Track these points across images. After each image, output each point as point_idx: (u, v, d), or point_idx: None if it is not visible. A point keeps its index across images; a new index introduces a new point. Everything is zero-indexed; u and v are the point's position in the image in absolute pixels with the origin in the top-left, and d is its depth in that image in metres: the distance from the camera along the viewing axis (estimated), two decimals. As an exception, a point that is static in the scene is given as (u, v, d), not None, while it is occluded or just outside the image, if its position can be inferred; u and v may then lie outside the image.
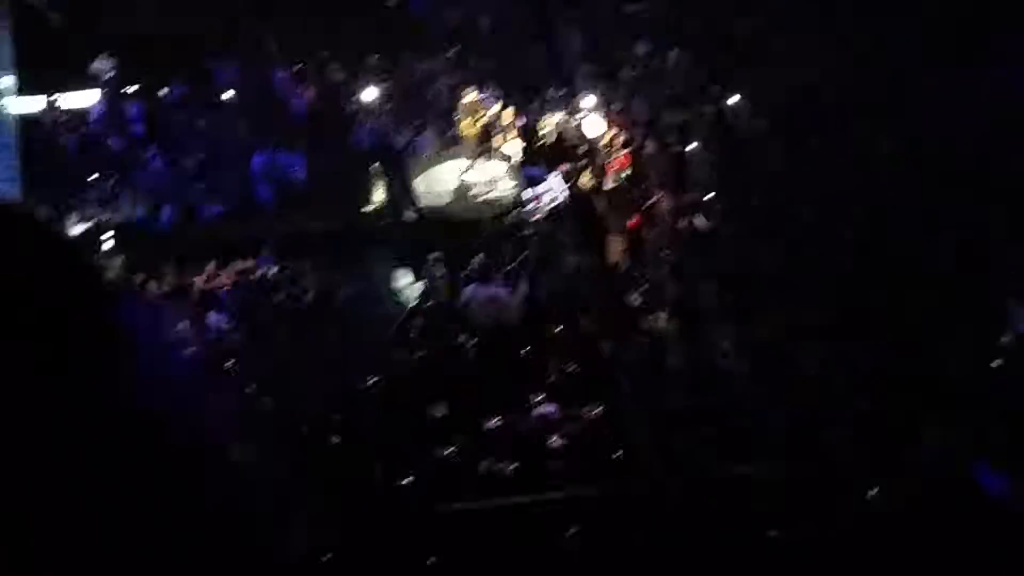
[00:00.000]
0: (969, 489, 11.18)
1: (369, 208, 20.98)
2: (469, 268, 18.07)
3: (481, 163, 20.83)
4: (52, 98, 22.10)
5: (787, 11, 22.08)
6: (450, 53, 23.70)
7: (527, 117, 22.29)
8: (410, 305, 18.52)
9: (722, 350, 15.68)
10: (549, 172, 20.95)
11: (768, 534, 11.43)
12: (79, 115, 22.23)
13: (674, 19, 24.48)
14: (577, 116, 22.08)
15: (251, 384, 15.96)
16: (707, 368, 15.71)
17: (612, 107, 22.18)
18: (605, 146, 21.72)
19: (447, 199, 20.39)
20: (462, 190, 20.50)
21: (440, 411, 14.81)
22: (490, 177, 20.68)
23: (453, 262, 18.67)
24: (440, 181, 20.80)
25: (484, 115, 20.56)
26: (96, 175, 20.88)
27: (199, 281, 18.25)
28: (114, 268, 18.93)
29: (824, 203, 18.15)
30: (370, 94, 21.94)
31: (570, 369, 15.88)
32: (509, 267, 17.83)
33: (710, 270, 17.54)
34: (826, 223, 17.70)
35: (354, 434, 15.34)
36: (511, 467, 13.44)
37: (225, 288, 18.04)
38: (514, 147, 21.40)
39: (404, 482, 13.13)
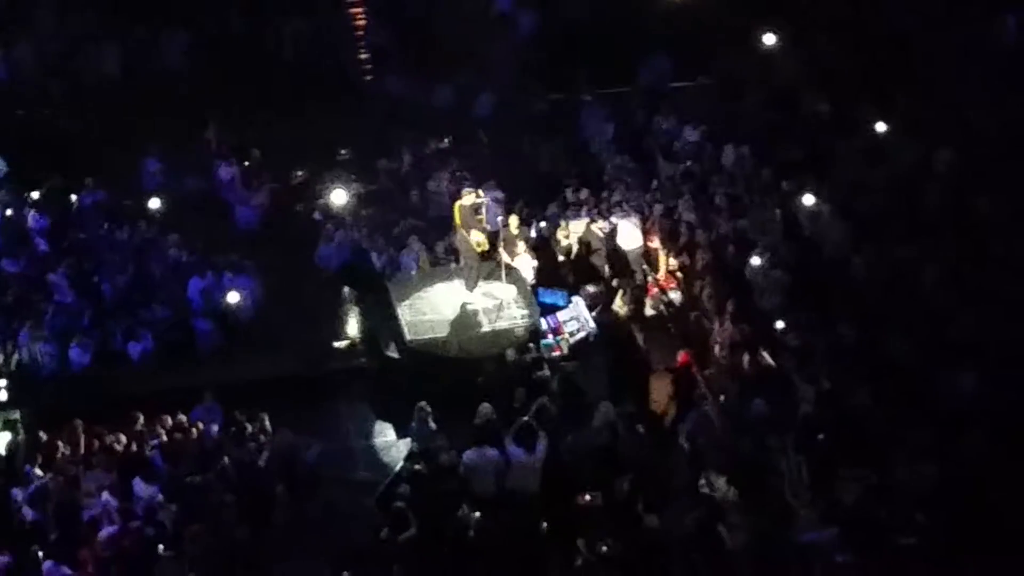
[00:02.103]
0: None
1: (340, 345, 22.11)
2: (472, 421, 19.01)
3: (484, 285, 21.93)
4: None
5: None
6: (443, 143, 25.18)
7: (540, 225, 23.57)
8: (395, 469, 19.41)
9: (799, 521, 16.64)
10: (571, 296, 22.08)
11: None
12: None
13: (734, 97, 26.14)
14: (606, 223, 23.28)
15: (191, 576, 16.96)
16: (778, 546, 16.63)
17: (651, 211, 23.47)
18: (643, 262, 22.93)
19: (441, 331, 21.34)
20: (460, 320, 21.51)
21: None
22: (496, 302, 21.72)
23: (450, 413, 19.52)
24: (432, 308, 21.81)
25: (485, 222, 21.65)
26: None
27: (122, 439, 19.25)
28: (10, 425, 20.03)
29: (925, 334, 19.37)
30: (339, 197, 23.07)
31: (605, 549, 16.74)
32: (523, 419, 18.78)
33: (780, 421, 18.56)
34: (927, 359, 18.88)
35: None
36: None
37: (156, 450, 19.03)
38: (525, 264, 22.58)
39: None
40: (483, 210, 21.61)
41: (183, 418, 19.76)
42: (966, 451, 17.26)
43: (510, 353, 20.61)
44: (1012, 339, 18.97)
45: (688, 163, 24.62)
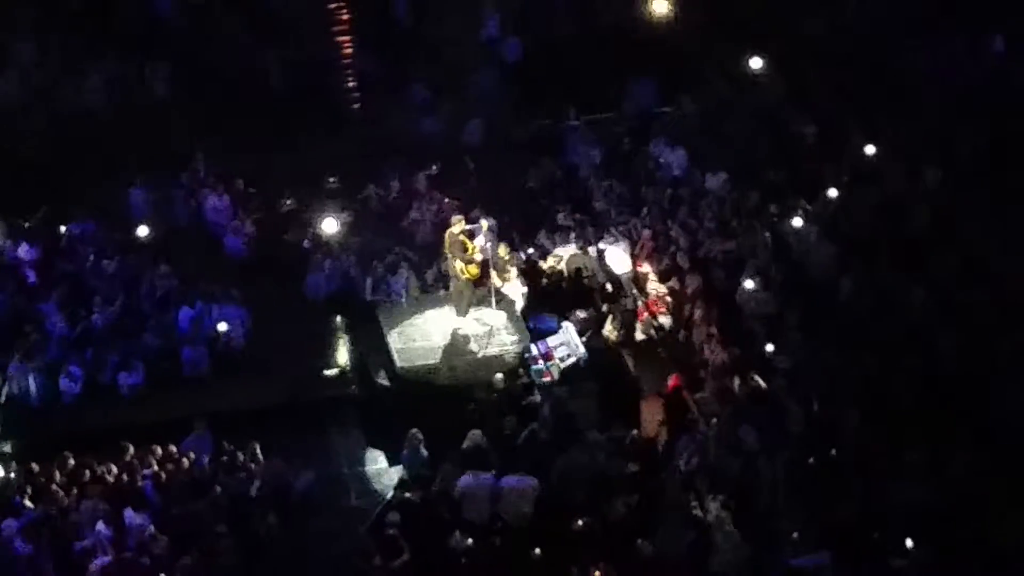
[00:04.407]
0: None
1: (330, 373, 22.13)
2: (463, 447, 19.09)
3: (474, 311, 21.92)
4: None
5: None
6: (431, 170, 25.23)
7: (530, 251, 23.67)
8: (387, 496, 19.44)
9: (790, 543, 16.69)
10: (561, 321, 22.08)
11: None
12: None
13: (720, 121, 26.29)
14: (595, 248, 23.42)
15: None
16: (770, 570, 16.69)
17: (641, 236, 23.55)
18: (633, 286, 22.99)
19: (431, 358, 21.40)
20: (451, 346, 21.52)
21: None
22: (486, 329, 21.74)
23: (441, 440, 19.60)
24: (422, 335, 21.85)
25: (477, 249, 21.59)
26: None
27: (113, 470, 19.25)
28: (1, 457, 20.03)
29: (914, 354, 19.48)
30: (330, 226, 23.04)
31: (598, 574, 16.73)
32: (516, 445, 18.82)
33: (771, 443, 18.60)
34: (917, 380, 18.98)
35: None
36: None
37: (147, 480, 19.04)
38: (515, 290, 22.60)
39: None
40: (473, 237, 21.67)
41: (174, 448, 19.75)
42: (957, 472, 17.34)
43: (498, 379, 20.64)
44: (1000, 359, 19.08)
45: (676, 187, 24.70)
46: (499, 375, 20.70)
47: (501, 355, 21.37)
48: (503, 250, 22.38)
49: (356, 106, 27.37)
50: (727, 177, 24.51)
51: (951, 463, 17.47)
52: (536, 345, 21.58)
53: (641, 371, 21.53)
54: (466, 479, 18.44)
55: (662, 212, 24.11)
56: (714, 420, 19.60)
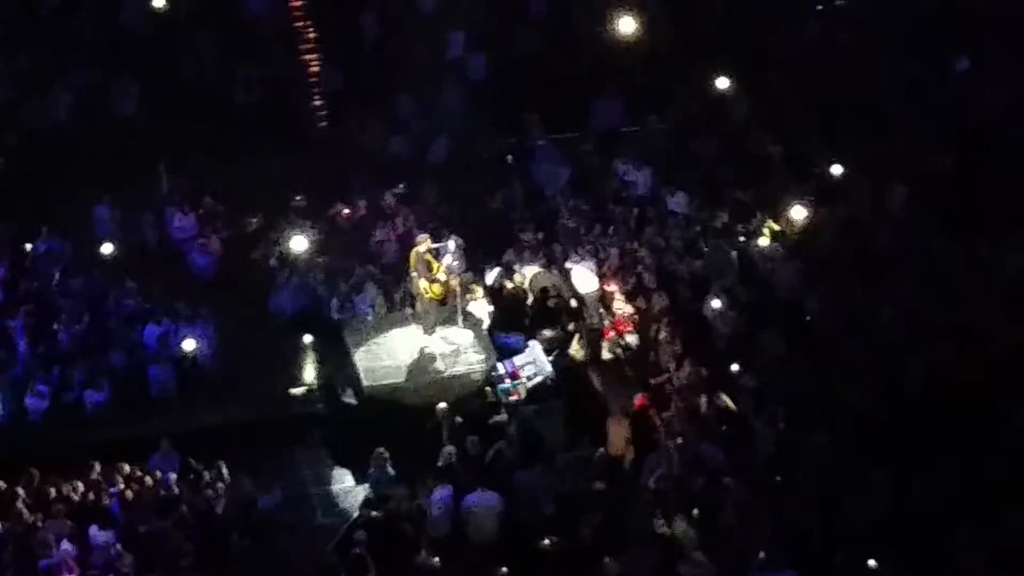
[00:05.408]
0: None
1: (296, 391, 22.27)
2: (439, 464, 19.29)
3: (440, 330, 22.09)
4: None
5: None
6: (398, 189, 25.40)
7: (496, 269, 23.76)
8: (353, 515, 19.57)
9: (756, 562, 16.90)
10: (528, 340, 22.30)
11: None
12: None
13: (688, 139, 26.53)
14: (561, 267, 23.59)
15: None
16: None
17: (607, 255, 23.76)
18: (599, 305, 23.20)
19: (398, 377, 21.54)
20: (417, 365, 21.67)
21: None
22: (453, 347, 21.91)
23: (407, 458, 19.78)
24: (388, 354, 22.00)
25: (442, 267, 21.78)
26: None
27: (79, 488, 19.33)
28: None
29: (880, 374, 19.73)
30: (299, 244, 22.99)
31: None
32: (483, 464, 18.98)
33: (738, 462, 18.83)
34: (883, 399, 19.24)
35: None
36: None
37: (113, 498, 19.12)
38: (481, 308, 22.79)
39: None
40: (439, 256, 21.84)
41: (140, 466, 19.84)
42: (922, 492, 17.56)
43: (441, 408, 20.58)
44: (965, 378, 19.34)
45: (643, 206, 24.91)
46: (442, 404, 20.61)
47: (468, 374, 21.52)
48: (455, 281, 22.18)
49: (323, 124, 27.50)
50: (693, 196, 24.74)
51: (916, 481, 17.69)
52: (503, 364, 21.74)
53: (608, 390, 21.69)
54: (433, 497, 18.58)
55: (629, 231, 24.31)
56: (680, 439, 19.81)
